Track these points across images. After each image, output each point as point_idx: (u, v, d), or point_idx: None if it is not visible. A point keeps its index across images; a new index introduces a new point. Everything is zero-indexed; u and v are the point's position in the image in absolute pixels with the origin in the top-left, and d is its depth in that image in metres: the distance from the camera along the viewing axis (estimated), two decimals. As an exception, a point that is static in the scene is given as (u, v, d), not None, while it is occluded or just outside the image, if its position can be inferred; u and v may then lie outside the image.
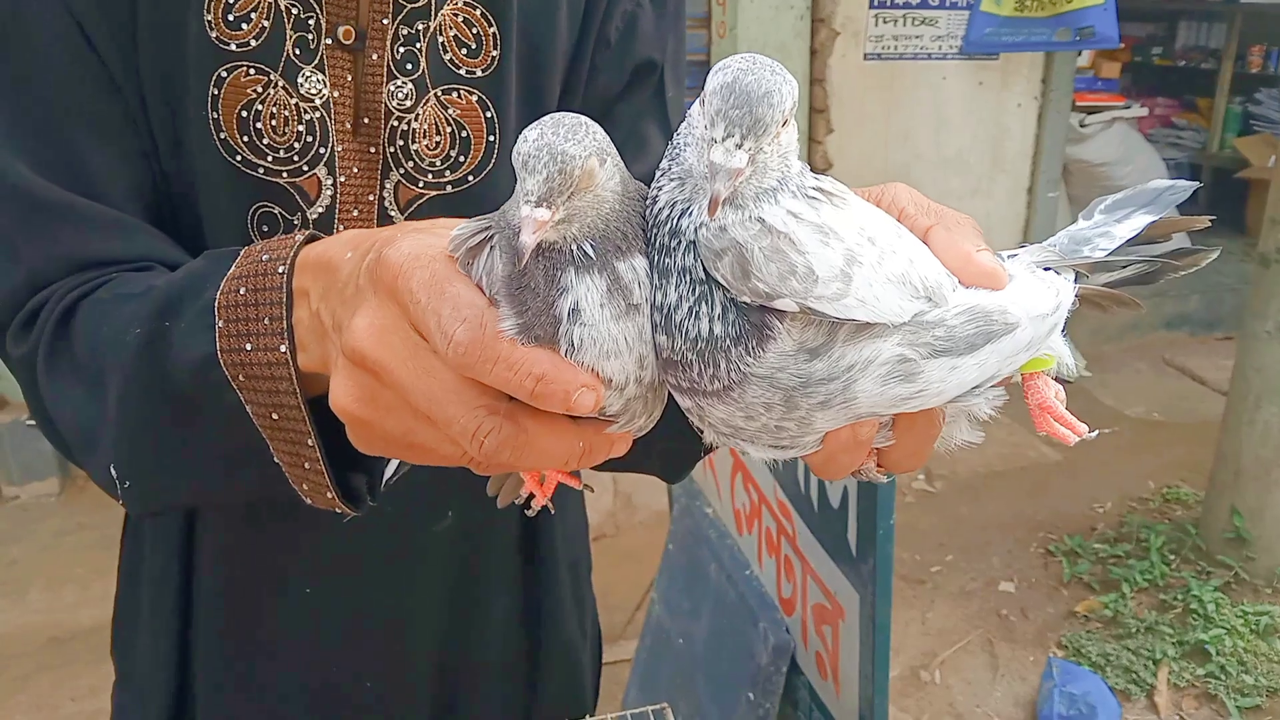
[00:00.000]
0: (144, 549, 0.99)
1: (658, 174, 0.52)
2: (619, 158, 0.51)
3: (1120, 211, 0.62)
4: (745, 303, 0.49)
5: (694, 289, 0.49)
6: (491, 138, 0.86)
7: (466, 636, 1.07)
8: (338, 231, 0.84)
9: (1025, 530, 3.86)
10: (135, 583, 1.02)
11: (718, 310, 0.49)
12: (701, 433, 0.56)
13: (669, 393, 0.55)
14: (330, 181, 0.83)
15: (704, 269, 0.49)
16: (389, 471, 0.71)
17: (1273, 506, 3.35)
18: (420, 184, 0.86)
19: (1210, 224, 0.64)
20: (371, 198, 0.85)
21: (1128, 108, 6.56)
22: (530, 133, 0.48)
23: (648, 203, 0.52)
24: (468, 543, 1.03)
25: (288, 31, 0.79)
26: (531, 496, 0.67)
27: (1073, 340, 0.59)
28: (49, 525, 3.86)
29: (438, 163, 0.85)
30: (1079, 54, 5.63)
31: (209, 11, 0.76)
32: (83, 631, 3.25)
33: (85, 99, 0.77)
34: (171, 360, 0.65)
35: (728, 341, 0.49)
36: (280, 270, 0.61)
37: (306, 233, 0.65)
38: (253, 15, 0.77)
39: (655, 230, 0.51)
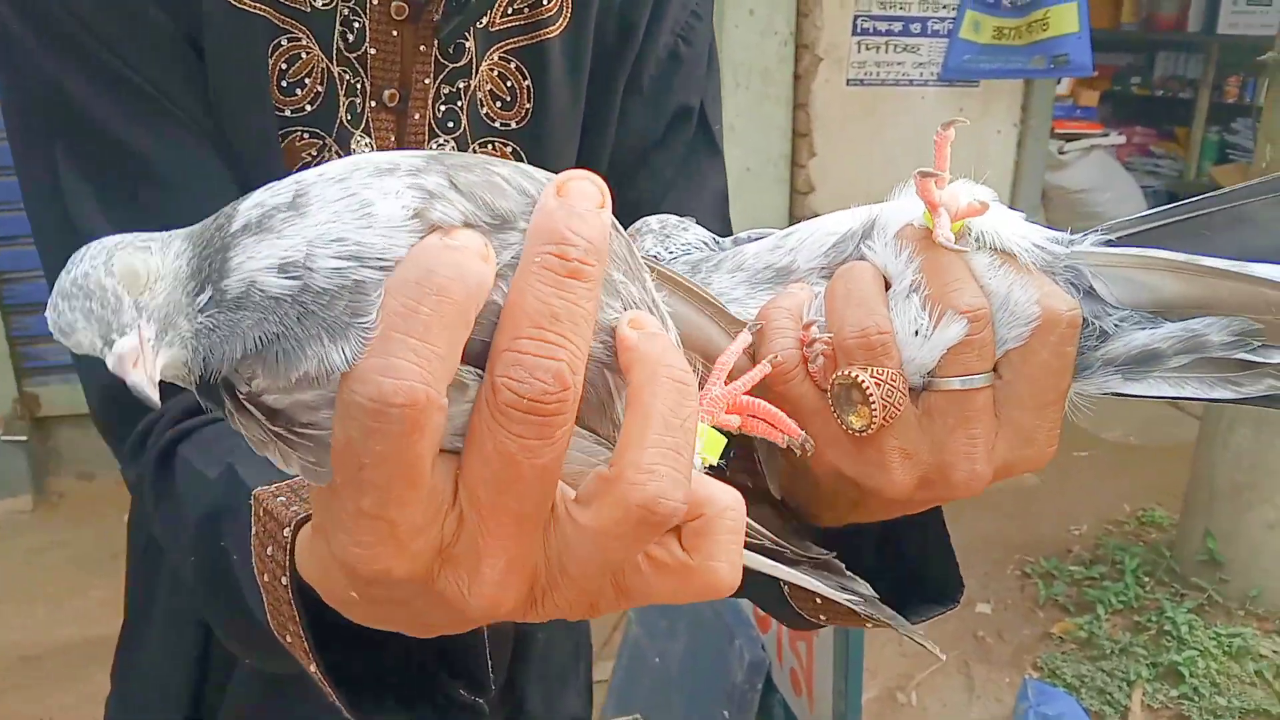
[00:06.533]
0: (157, 589, 0.97)
1: None
2: None
3: None
4: None
5: None
6: None
7: None
8: None
9: (1002, 552, 3.88)
10: (146, 616, 0.99)
11: None
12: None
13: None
14: None
15: None
16: None
17: (1246, 529, 3.38)
18: None
19: None
20: None
21: (1106, 135, 6.66)
22: None
23: None
24: None
25: (340, 98, 0.80)
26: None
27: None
28: (21, 542, 3.81)
29: None
30: (1058, 82, 5.71)
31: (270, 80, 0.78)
32: (55, 649, 3.22)
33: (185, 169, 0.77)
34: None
35: None
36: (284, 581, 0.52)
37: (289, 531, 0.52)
38: (306, 80, 0.79)
39: None
